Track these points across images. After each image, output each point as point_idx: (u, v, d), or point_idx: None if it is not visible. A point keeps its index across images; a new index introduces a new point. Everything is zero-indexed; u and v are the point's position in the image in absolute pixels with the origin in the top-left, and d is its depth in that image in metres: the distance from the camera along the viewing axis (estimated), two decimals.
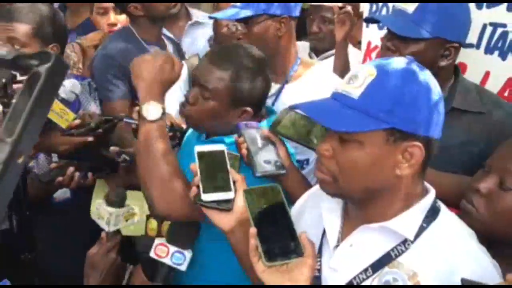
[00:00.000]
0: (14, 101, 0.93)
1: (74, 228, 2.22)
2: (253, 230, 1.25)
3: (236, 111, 1.80)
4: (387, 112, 1.17)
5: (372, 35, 2.48)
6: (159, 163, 1.62)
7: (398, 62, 1.24)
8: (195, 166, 1.47)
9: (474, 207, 1.53)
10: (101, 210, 1.75)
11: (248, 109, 1.80)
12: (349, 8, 2.68)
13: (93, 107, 2.58)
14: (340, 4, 2.74)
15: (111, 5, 3.11)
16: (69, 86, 2.05)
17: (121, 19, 3.13)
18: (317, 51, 3.30)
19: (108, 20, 3.13)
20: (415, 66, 1.24)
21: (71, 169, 2.10)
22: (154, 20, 2.79)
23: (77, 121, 2.13)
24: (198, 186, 1.45)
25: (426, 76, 1.24)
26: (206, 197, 1.44)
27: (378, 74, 1.20)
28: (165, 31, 3.27)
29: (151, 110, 1.64)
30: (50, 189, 2.25)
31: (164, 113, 1.65)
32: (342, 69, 2.59)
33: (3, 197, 0.91)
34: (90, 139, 2.10)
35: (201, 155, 1.49)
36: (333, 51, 3.03)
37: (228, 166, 1.49)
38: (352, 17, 2.67)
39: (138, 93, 1.68)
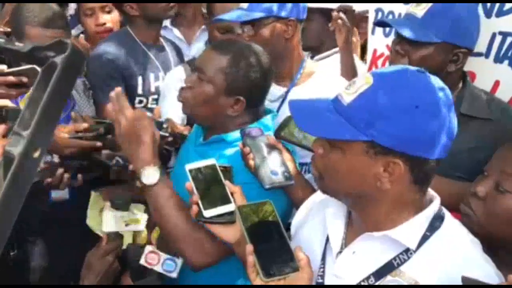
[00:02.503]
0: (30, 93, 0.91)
1: (71, 229, 2.23)
2: (249, 247, 1.25)
3: (229, 100, 1.80)
4: (368, 124, 1.15)
5: (378, 42, 2.49)
6: (177, 222, 1.61)
7: (400, 75, 1.20)
8: (190, 185, 1.48)
9: (472, 210, 1.55)
10: (104, 212, 1.79)
11: (241, 98, 1.80)
12: (341, 15, 2.72)
13: (87, 108, 2.56)
14: (334, 7, 2.73)
15: (97, 5, 3.04)
16: None
17: (109, 19, 3.07)
18: (304, 49, 3.27)
19: (97, 20, 3.05)
20: (417, 80, 1.18)
21: (60, 170, 2.07)
22: (150, 21, 2.77)
23: (85, 125, 2.13)
24: (197, 204, 1.46)
25: (427, 92, 1.17)
26: (208, 213, 1.45)
27: (373, 84, 1.17)
28: (176, 32, 3.29)
29: (148, 175, 1.60)
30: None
31: (162, 173, 1.62)
32: (350, 72, 2.61)
33: (20, 192, 0.88)
34: (99, 144, 2.09)
35: (193, 172, 1.50)
36: (327, 53, 3.08)
37: (223, 179, 1.51)
38: (347, 22, 2.71)
39: (132, 163, 1.66)
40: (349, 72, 2.70)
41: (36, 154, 0.87)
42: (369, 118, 1.14)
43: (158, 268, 1.74)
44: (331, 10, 2.95)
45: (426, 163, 1.18)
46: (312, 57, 3.18)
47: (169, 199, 1.61)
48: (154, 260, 1.74)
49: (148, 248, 1.76)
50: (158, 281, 1.79)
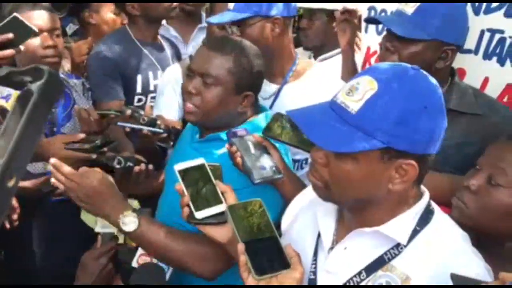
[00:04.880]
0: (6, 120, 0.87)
1: (71, 227, 2.21)
2: (241, 246, 1.25)
3: (239, 97, 1.82)
4: (384, 131, 1.14)
5: (371, 40, 2.50)
6: (174, 248, 1.61)
7: (402, 76, 1.18)
8: (180, 186, 1.47)
9: (464, 203, 1.56)
10: None
11: (250, 93, 1.82)
12: (347, 15, 2.66)
13: (86, 107, 2.56)
14: (340, 8, 2.72)
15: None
16: None
17: None
18: (307, 49, 3.29)
19: (125, 19, 3.06)
20: (419, 80, 1.19)
21: None
22: (150, 21, 2.79)
23: (82, 135, 2.14)
24: (188, 205, 1.45)
25: (430, 90, 1.19)
26: (199, 214, 1.44)
27: (379, 89, 1.15)
28: (172, 31, 3.30)
29: (127, 223, 1.59)
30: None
31: (139, 213, 1.61)
32: (351, 74, 2.57)
33: None
34: (94, 157, 2.09)
35: (183, 173, 1.48)
36: (331, 53, 3.03)
37: (213, 178, 1.49)
38: (353, 23, 2.65)
39: (106, 220, 1.63)
40: (351, 73, 2.60)
41: (11, 183, 0.84)
42: (384, 125, 1.13)
43: None
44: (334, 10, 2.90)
45: (429, 159, 1.20)
46: (314, 57, 3.17)
47: (157, 233, 1.60)
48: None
49: (141, 250, 1.75)
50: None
